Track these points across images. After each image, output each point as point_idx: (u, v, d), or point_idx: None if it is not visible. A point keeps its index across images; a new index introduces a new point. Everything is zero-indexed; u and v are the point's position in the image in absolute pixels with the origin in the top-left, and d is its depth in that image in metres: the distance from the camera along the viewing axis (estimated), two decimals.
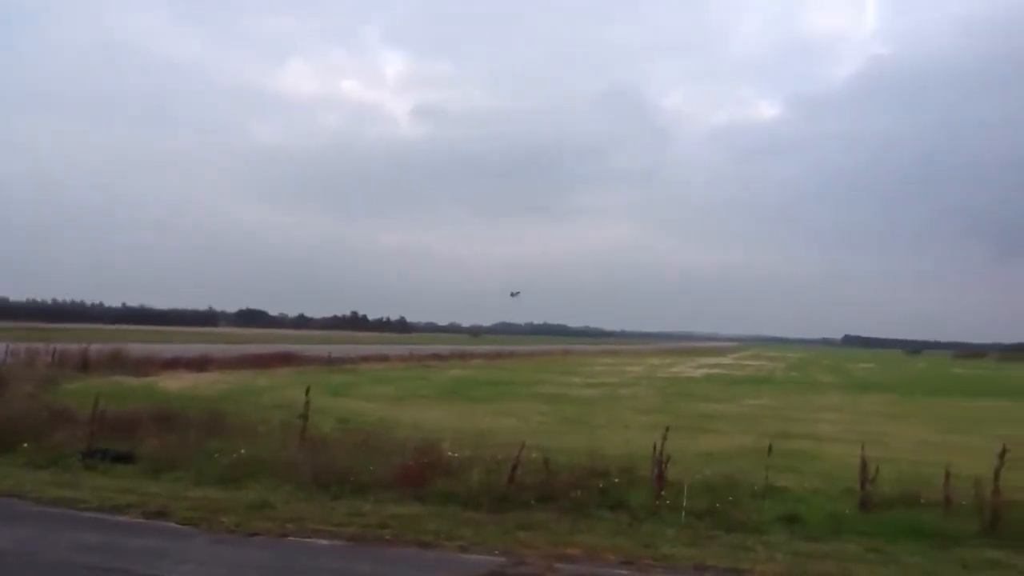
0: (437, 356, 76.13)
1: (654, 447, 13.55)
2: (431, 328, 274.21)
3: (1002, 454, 11.89)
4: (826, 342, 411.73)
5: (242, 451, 15.64)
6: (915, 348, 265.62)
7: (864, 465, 13.14)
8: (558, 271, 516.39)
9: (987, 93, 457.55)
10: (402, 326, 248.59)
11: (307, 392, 17.07)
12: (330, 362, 55.88)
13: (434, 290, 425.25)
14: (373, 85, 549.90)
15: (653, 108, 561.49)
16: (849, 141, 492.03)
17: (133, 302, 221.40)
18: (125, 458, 15.67)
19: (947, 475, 12.32)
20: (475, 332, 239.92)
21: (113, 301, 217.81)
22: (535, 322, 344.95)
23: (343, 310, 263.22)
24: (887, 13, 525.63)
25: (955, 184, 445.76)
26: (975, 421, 32.79)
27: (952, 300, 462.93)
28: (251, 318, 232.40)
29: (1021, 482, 14.71)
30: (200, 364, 45.96)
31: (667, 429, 13.89)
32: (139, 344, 53.79)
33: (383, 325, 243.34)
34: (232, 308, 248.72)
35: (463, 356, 79.47)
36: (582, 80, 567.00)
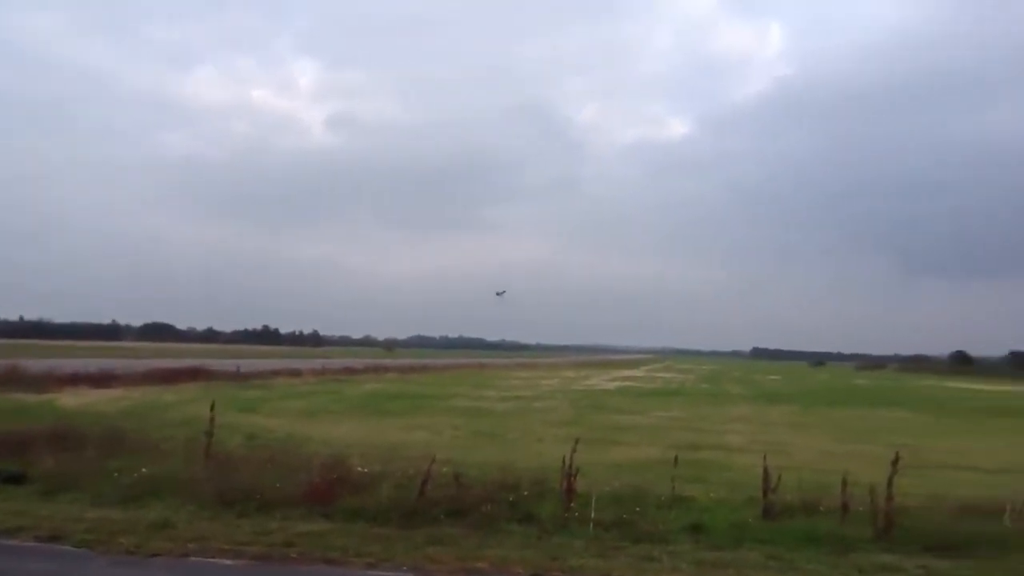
0: (350, 370, 75.21)
1: (563, 460, 13.65)
2: (345, 342, 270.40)
3: (895, 462, 12.34)
4: (736, 354, 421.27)
5: (144, 470, 15.17)
6: (819, 360, 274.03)
7: (766, 475, 13.48)
8: (474, 284, 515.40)
9: (884, 116, 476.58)
10: (315, 340, 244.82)
11: (212, 408, 16.65)
12: (239, 377, 54.63)
13: (348, 303, 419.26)
14: (285, 94, 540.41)
15: (567, 123, 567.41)
16: (757, 159, 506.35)
17: (31, 315, 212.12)
18: (16, 479, 15.00)
19: (844, 483, 12.73)
20: (390, 346, 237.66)
21: (9, 314, 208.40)
22: (451, 335, 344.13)
23: (254, 324, 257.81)
24: (791, 36, 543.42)
25: (857, 202, 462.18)
26: (873, 430, 34.03)
27: (855, 314, 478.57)
28: (157, 332, 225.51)
29: (913, 488, 15.43)
30: (102, 380, 44.30)
31: (576, 442, 14.02)
32: (37, 359, 51.71)
33: (296, 339, 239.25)
34: (137, 322, 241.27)
35: (377, 370, 78.79)
36: (496, 93, 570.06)
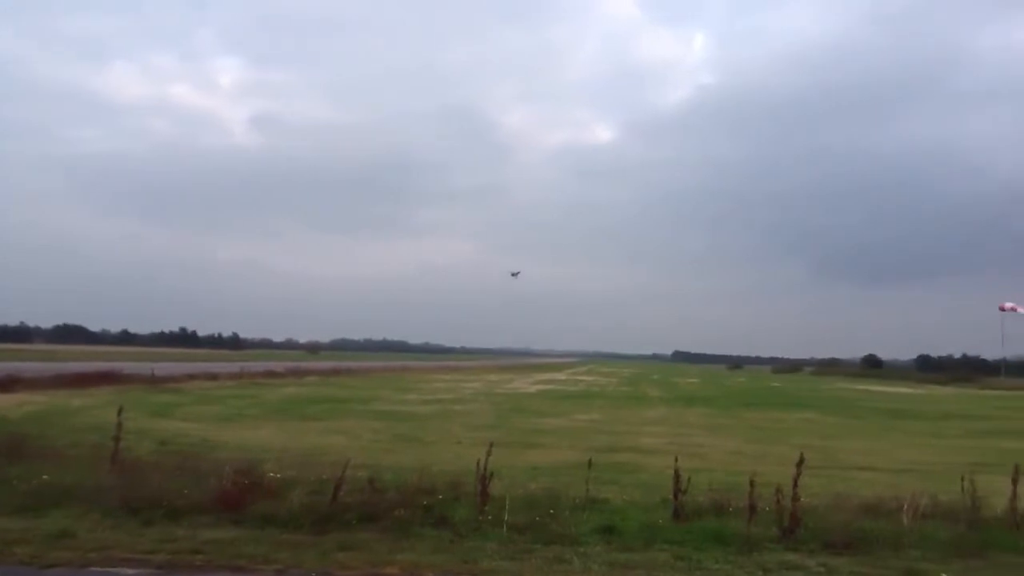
0: (270, 373, 73.86)
1: (477, 463, 13.67)
2: (266, 344, 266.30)
3: (799, 463, 12.65)
4: (657, 357, 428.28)
5: (45, 477, 14.62)
6: (737, 363, 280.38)
7: (677, 477, 13.68)
8: (399, 287, 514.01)
9: (802, 126, 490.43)
10: (235, 342, 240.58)
11: (119, 413, 16.18)
12: (154, 381, 53.18)
13: (271, 306, 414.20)
14: (206, 92, 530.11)
15: (494, 126, 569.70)
16: (681, 165, 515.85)
17: None
18: None
19: (752, 483, 12.98)
20: (312, 349, 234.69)
21: None
22: (374, 338, 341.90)
23: (171, 326, 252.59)
24: (714, 45, 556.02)
25: (776, 210, 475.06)
26: (785, 432, 35.01)
27: (773, 318, 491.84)
28: (69, 334, 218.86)
29: (819, 488, 15.95)
30: (6, 384, 42.51)
31: (491, 444, 14.07)
32: None
33: (214, 341, 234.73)
34: (48, 323, 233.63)
35: (298, 373, 77.66)
36: (423, 96, 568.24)
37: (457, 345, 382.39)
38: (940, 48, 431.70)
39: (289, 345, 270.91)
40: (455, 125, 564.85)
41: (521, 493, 14.55)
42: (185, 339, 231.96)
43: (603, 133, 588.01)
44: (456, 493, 14.34)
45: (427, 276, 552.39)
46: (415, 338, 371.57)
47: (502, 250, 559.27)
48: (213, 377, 62.97)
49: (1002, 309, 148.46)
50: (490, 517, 12.88)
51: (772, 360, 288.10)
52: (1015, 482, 12.91)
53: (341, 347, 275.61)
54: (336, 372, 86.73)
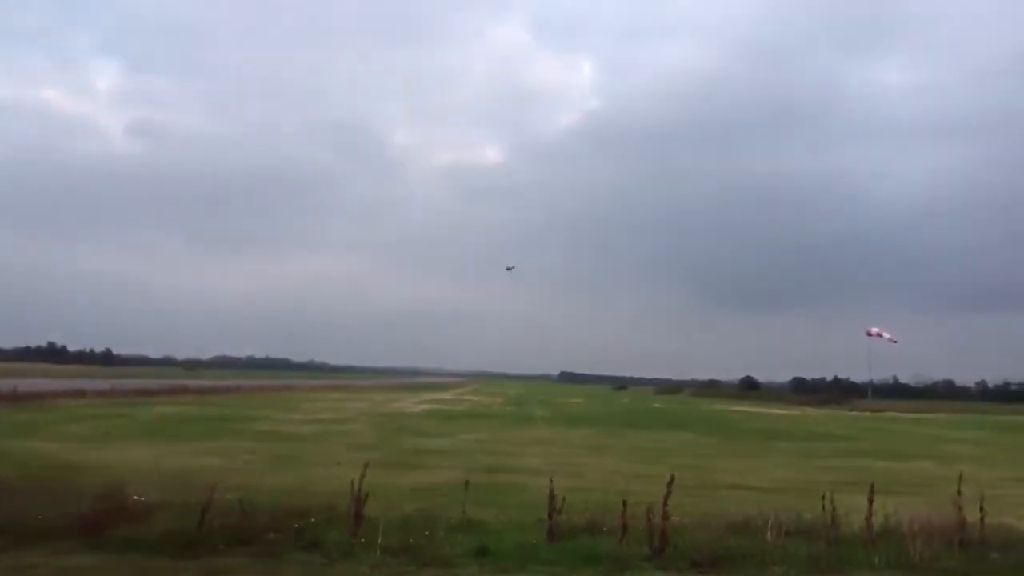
0: (144, 391, 71.06)
1: (352, 484, 13.48)
2: (141, 361, 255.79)
3: (670, 482, 12.95)
4: (545, 377, 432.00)
5: None
6: (622, 384, 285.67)
7: (553, 497, 13.82)
8: (283, 304, 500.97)
9: (684, 154, 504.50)
10: (107, 358, 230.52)
11: None
12: (16, 398, 50.43)
13: (147, 320, 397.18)
14: (81, 96, 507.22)
15: (382, 143, 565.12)
16: (569, 189, 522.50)
17: None
18: None
19: (624, 504, 13.23)
20: (191, 366, 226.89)
21: None
22: (257, 356, 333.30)
23: (37, 340, 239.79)
24: (601, 72, 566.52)
25: (660, 235, 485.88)
26: (664, 452, 35.76)
27: (656, 340, 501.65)
28: None
29: (694, 507, 16.34)
30: None
31: (366, 465, 13.88)
32: None
33: (85, 357, 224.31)
34: None
35: (174, 391, 74.98)
36: (309, 110, 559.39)
37: (343, 364, 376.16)
38: (812, 85, 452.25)
39: (166, 362, 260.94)
40: (344, 141, 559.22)
41: (397, 515, 14.42)
42: (53, 354, 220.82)
43: (492, 154, 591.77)
44: (331, 515, 14.14)
45: (313, 293, 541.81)
46: (299, 356, 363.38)
47: (391, 268, 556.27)
48: (81, 394, 60.17)
49: (868, 334, 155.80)
50: (363, 540, 12.71)
51: (655, 381, 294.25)
52: (871, 500, 13.54)
53: (221, 365, 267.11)
54: (215, 390, 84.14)
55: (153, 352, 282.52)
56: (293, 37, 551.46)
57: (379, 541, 12.52)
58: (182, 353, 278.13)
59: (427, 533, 13.41)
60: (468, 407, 78.83)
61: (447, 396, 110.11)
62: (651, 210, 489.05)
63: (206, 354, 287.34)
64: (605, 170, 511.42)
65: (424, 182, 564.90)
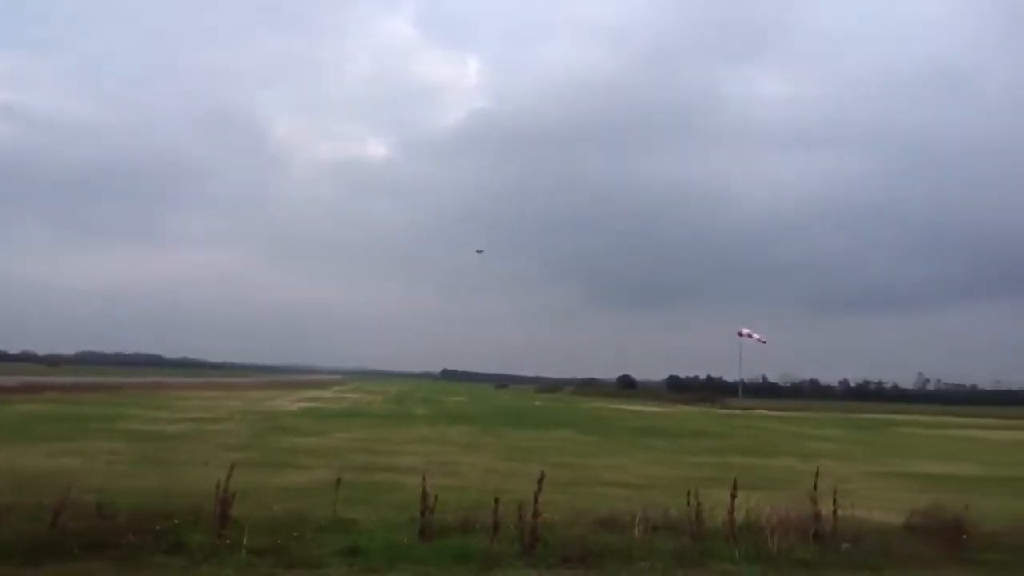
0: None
1: (217, 484, 13.08)
2: None
3: (540, 479, 13.08)
4: (427, 375, 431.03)
5: None
6: (504, 382, 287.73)
7: (425, 495, 13.76)
8: (155, 297, 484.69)
9: (568, 153, 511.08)
10: None
11: None
12: None
13: (6, 315, 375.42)
14: None
15: (263, 135, 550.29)
16: (453, 186, 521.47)
17: None
18: None
19: (496, 501, 13.28)
20: (53, 362, 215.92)
21: None
22: (126, 352, 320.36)
23: None
24: (487, 70, 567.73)
25: (543, 234, 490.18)
26: (540, 449, 36.16)
27: (538, 338, 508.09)
28: None
29: (569, 504, 16.63)
30: None
31: (233, 465, 13.55)
32: None
33: None
34: None
35: (33, 389, 71.00)
36: (187, 98, 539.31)
37: (218, 360, 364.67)
38: (695, 91, 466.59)
39: (25, 357, 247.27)
40: (222, 131, 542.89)
41: (266, 515, 14.11)
42: None
43: (377, 149, 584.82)
44: (196, 517, 13.65)
45: (188, 288, 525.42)
46: (172, 353, 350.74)
47: (271, 262, 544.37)
48: None
49: (740, 335, 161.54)
50: (228, 542, 12.35)
51: (537, 379, 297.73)
52: (733, 496, 14.00)
53: (87, 360, 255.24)
54: (79, 388, 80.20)
55: (11, 347, 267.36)
56: (173, 23, 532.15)
57: (245, 542, 12.20)
58: (43, 348, 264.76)
59: (296, 534, 13.14)
60: (347, 405, 77.78)
61: (326, 394, 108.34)
62: (535, 210, 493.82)
63: (70, 349, 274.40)
64: (491, 169, 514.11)
65: (306, 176, 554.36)
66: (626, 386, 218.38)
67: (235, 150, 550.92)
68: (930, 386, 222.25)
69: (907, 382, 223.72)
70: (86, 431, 35.26)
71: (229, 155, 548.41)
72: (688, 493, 14.22)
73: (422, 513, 13.71)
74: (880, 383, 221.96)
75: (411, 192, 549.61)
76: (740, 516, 14.35)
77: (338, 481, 14.92)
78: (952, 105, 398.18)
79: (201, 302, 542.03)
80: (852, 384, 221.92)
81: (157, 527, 12.82)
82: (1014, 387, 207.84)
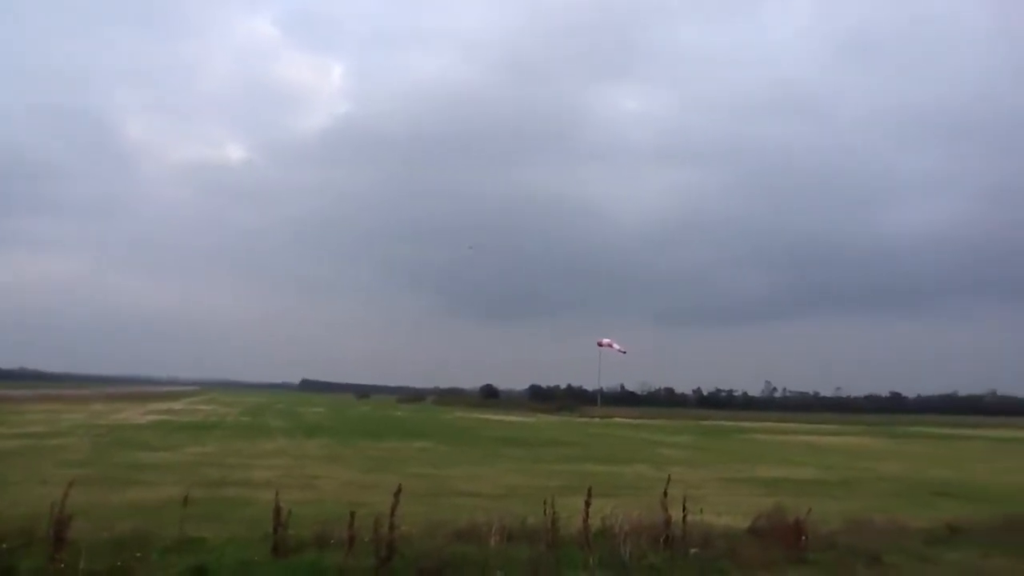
0: None
1: (52, 504, 12.34)
2: None
3: (397, 492, 12.94)
4: (285, 386, 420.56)
5: None
6: (365, 392, 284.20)
7: (279, 510, 13.42)
8: None
9: (432, 164, 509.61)
10: None
11: None
12: None
13: None
14: None
15: (115, 135, 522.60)
16: (315, 192, 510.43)
17: None
18: None
19: (352, 515, 13.05)
20: None
21: None
22: None
23: None
24: (352, 75, 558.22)
25: (407, 243, 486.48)
26: (400, 461, 35.92)
27: (401, 348, 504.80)
28: None
29: (427, 515, 16.57)
30: None
31: (70, 483, 12.82)
32: None
33: None
34: None
35: None
36: (35, 94, 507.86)
37: (61, 371, 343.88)
38: (562, 105, 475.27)
39: None
40: (69, 129, 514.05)
41: (107, 536, 13.44)
42: None
43: (235, 152, 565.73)
44: (28, 540, 12.86)
45: (26, 292, 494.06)
46: (8, 363, 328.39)
47: (121, 268, 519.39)
48: None
49: (600, 345, 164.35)
50: (63, 565, 11.64)
51: (399, 389, 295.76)
52: (588, 504, 14.23)
53: None
54: None
55: None
56: (24, 15, 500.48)
57: (81, 566, 11.55)
58: None
59: (139, 554, 12.55)
60: (200, 417, 74.99)
61: (178, 406, 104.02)
62: (400, 218, 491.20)
63: None
64: (354, 175, 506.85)
65: (161, 178, 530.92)
66: (489, 395, 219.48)
67: (85, 150, 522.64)
68: (777, 394, 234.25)
69: (755, 390, 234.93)
70: None
71: (78, 155, 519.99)
72: (545, 502, 14.36)
73: (275, 529, 13.35)
74: (731, 391, 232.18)
75: (271, 197, 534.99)
76: (595, 524, 14.62)
77: (186, 498, 14.34)
78: (798, 126, 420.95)
79: (43, 309, 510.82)
80: (704, 392, 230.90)
81: None
82: (853, 394, 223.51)
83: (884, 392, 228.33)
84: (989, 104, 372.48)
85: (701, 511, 15.72)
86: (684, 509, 14.39)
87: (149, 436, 45.88)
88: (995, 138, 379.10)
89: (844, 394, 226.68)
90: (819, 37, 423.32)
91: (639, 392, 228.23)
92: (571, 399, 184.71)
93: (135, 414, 74.94)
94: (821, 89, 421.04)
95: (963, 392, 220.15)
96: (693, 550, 14.36)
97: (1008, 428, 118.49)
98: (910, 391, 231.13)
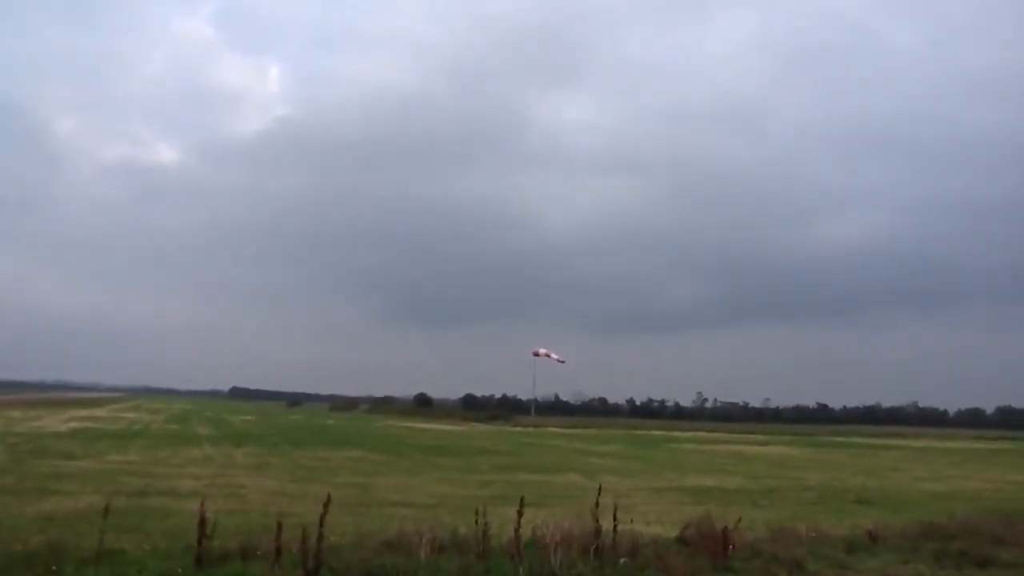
0: None
1: None
2: None
3: (326, 502, 12.73)
4: (215, 393, 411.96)
5: None
6: (297, 400, 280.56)
7: (203, 521, 13.09)
8: None
9: (370, 169, 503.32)
10: None
11: None
12: None
13: None
14: None
15: (40, 131, 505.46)
16: (249, 196, 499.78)
17: None
18: None
19: (279, 525, 12.80)
20: None
21: None
22: None
23: None
24: (289, 78, 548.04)
25: (343, 249, 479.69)
26: (329, 470, 35.46)
27: (334, 356, 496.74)
28: None
29: (352, 526, 16.39)
30: None
31: None
32: None
33: None
34: None
35: None
36: None
37: None
38: (505, 111, 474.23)
39: None
40: None
41: (20, 549, 12.98)
42: None
43: (167, 154, 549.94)
44: None
45: None
46: None
47: (41, 269, 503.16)
48: None
49: (536, 355, 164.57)
50: None
51: (331, 397, 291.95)
52: (520, 513, 14.22)
53: None
54: None
55: None
56: None
57: None
58: None
59: (55, 568, 12.14)
60: (123, 425, 72.91)
61: (101, 413, 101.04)
62: (333, 222, 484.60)
63: None
64: (288, 179, 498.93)
65: (89, 178, 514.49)
66: (422, 404, 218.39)
67: (6, 145, 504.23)
68: (708, 404, 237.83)
69: (688, 400, 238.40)
70: None
71: (5, 150, 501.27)
72: (476, 511, 14.31)
73: (199, 540, 13.02)
74: (663, 401, 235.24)
75: (203, 200, 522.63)
76: (526, 533, 14.59)
77: (107, 508, 13.88)
78: (739, 139, 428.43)
79: None
80: (637, 402, 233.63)
81: None
82: (781, 405, 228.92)
83: (811, 403, 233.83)
84: (921, 121, 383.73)
85: (631, 520, 15.86)
86: (615, 518, 14.45)
87: (70, 444, 44.39)
88: (926, 154, 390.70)
89: (772, 405, 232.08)
90: (763, 51, 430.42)
91: (573, 401, 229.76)
92: (505, 408, 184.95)
93: (55, 421, 72.47)
94: (763, 103, 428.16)
95: (886, 404, 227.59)
96: (622, 560, 14.43)
97: (927, 438, 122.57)
98: (836, 402, 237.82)
